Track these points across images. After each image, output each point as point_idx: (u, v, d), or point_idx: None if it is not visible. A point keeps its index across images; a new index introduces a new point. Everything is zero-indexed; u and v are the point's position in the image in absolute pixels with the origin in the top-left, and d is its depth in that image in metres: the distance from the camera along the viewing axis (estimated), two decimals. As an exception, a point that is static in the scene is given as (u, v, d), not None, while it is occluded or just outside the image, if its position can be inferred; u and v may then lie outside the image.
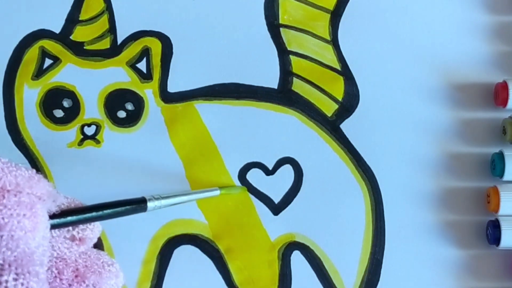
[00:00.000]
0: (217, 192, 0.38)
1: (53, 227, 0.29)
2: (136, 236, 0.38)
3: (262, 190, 0.39)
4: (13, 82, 0.39)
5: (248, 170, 0.39)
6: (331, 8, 0.40)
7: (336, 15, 0.40)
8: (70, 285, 0.30)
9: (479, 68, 0.40)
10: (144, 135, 0.39)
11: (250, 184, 0.39)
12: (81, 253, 0.31)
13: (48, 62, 0.40)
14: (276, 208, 0.39)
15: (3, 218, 0.26)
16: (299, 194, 0.39)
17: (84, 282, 0.30)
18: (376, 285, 0.38)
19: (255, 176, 0.39)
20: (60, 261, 0.30)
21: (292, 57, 0.40)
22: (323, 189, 0.39)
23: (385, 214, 0.39)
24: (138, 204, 0.33)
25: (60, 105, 0.39)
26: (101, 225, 0.38)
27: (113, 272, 0.31)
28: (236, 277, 0.38)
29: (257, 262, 0.38)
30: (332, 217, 0.39)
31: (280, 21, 0.40)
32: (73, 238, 0.31)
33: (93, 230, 0.31)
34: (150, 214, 0.37)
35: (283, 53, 0.40)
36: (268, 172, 0.39)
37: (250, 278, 0.38)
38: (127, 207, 0.32)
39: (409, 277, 0.38)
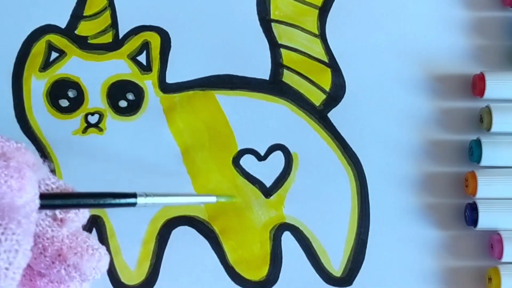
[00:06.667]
0: (214, 199, 0.38)
1: (41, 207, 0.29)
2: (137, 218, 0.39)
3: (254, 175, 0.39)
4: (22, 74, 0.40)
5: (242, 156, 0.40)
6: (319, 4, 0.41)
7: (324, 10, 0.41)
8: (53, 262, 0.31)
9: (458, 61, 0.40)
10: (144, 123, 0.40)
11: (243, 169, 0.39)
12: (69, 234, 0.31)
13: (54, 55, 0.40)
14: (268, 192, 0.39)
15: None
16: (289, 178, 0.39)
17: (65, 261, 0.31)
18: (361, 263, 0.39)
19: (248, 162, 0.40)
20: (47, 239, 0.31)
21: (282, 50, 0.41)
22: (312, 174, 0.39)
23: (369, 197, 0.39)
24: (128, 199, 0.33)
25: (65, 95, 0.40)
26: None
27: (96, 256, 0.31)
28: (230, 256, 0.39)
29: (250, 242, 0.39)
30: (320, 200, 0.39)
31: (272, 17, 0.41)
32: (54, 218, 0.31)
33: (77, 214, 0.31)
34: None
35: (274, 47, 0.41)
36: (260, 158, 0.40)
37: (243, 257, 0.39)
38: (117, 200, 0.32)
39: (392, 256, 0.39)
